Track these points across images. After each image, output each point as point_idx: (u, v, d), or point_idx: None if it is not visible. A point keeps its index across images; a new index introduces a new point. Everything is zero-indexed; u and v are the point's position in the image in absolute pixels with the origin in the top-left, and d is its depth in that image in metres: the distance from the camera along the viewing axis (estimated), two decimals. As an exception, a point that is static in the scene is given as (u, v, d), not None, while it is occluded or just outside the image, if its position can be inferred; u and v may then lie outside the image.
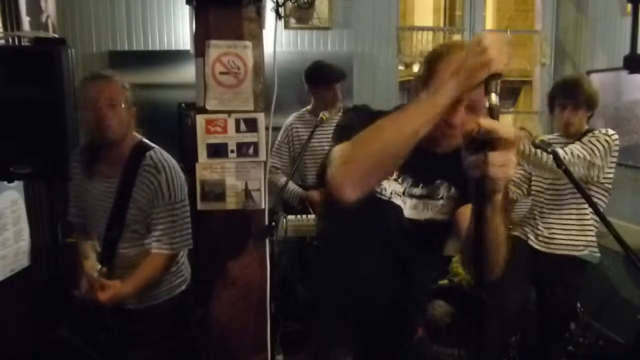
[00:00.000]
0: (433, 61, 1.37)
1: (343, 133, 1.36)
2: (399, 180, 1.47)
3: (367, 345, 1.58)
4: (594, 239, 2.58)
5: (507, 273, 1.27)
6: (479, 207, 1.04)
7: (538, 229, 2.60)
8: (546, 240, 2.58)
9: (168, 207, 2.03)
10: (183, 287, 2.22)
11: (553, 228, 2.56)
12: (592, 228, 2.57)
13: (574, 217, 2.54)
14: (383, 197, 1.44)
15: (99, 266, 2.01)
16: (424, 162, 1.35)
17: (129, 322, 2.10)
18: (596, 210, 1.92)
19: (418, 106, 1.22)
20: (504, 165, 0.99)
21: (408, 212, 1.48)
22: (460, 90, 1.14)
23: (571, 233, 2.54)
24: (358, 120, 1.37)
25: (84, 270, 2.04)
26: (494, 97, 1.03)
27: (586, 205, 2.49)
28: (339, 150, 1.31)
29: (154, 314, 2.11)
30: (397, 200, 1.46)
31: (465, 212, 1.34)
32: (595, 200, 2.47)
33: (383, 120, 1.21)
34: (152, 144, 2.13)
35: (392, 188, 1.46)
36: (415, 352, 1.68)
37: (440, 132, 1.30)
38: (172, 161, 2.10)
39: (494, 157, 0.98)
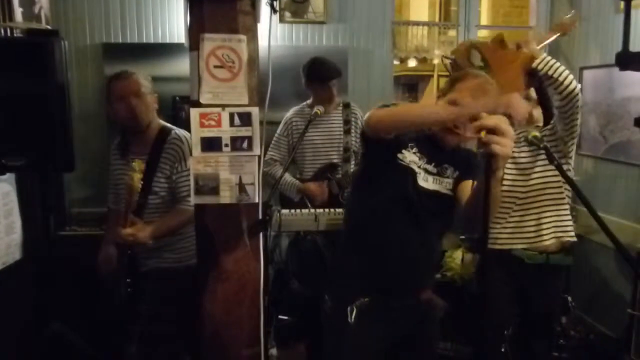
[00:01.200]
0: (456, 80, 1.93)
1: None
2: (417, 154, 1.90)
3: (384, 290, 1.93)
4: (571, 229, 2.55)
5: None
6: (487, 179, 1.36)
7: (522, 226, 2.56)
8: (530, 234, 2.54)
9: (188, 173, 2.18)
10: (193, 261, 2.26)
11: (531, 226, 2.53)
12: (569, 214, 2.55)
13: (552, 211, 2.52)
14: (403, 163, 1.87)
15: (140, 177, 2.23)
16: (437, 150, 1.93)
17: (143, 282, 2.39)
18: (585, 203, 1.93)
19: (434, 109, 1.82)
20: (504, 146, 1.32)
21: (420, 182, 1.89)
22: (469, 115, 1.57)
23: (551, 224, 2.51)
24: None
25: (129, 192, 2.23)
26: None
27: (564, 197, 2.50)
28: (379, 109, 1.85)
29: (165, 275, 2.39)
30: (414, 168, 1.89)
31: (465, 188, 1.84)
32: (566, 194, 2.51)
33: (413, 106, 1.94)
34: (174, 127, 2.47)
35: (410, 158, 1.89)
36: (425, 306, 2.04)
37: (449, 134, 1.87)
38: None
39: (498, 140, 1.31)
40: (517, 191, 2.52)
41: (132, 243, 2.28)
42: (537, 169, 2.49)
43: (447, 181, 1.95)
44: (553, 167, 2.39)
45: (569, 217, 2.57)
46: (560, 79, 2.23)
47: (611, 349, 3.27)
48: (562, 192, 2.51)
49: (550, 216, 2.51)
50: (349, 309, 1.91)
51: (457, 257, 3.32)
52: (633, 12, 1.65)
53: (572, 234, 2.55)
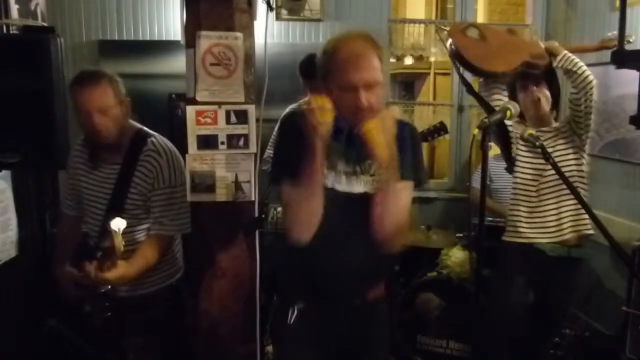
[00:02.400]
0: None
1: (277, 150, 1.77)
2: (331, 168, 1.64)
3: (323, 292, 1.73)
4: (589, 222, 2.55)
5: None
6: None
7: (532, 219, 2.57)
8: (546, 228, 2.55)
9: (168, 190, 2.04)
10: (177, 276, 2.22)
11: (551, 217, 2.53)
12: (587, 218, 2.54)
13: (570, 204, 2.52)
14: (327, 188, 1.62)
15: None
16: (350, 141, 1.62)
17: (122, 310, 2.08)
18: (582, 202, 1.94)
19: (304, 182, 1.56)
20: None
21: (345, 187, 1.65)
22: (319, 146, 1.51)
23: (569, 215, 2.52)
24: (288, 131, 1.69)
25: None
26: None
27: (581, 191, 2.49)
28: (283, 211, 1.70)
29: (147, 302, 2.11)
30: (337, 182, 1.65)
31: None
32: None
33: (293, 195, 1.59)
34: (152, 132, 2.14)
35: (331, 177, 1.64)
36: (371, 307, 1.82)
37: (354, 116, 1.56)
38: (172, 146, 2.11)
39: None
40: (533, 185, 2.54)
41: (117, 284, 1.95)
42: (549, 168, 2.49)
43: (372, 179, 1.67)
44: (572, 160, 2.50)
45: (587, 218, 2.57)
46: (579, 71, 2.37)
47: (606, 346, 3.28)
48: (579, 186, 2.53)
49: (569, 210, 2.52)
50: (290, 310, 1.75)
51: (453, 255, 3.33)
52: (628, 10, 1.66)
53: (589, 227, 2.56)
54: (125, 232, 1.96)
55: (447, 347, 3.24)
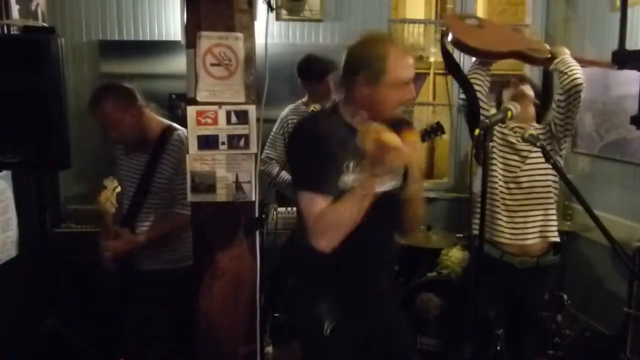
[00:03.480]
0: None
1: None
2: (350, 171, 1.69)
3: (351, 285, 1.81)
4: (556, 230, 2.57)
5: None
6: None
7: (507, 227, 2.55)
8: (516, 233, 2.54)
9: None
10: None
11: (521, 219, 2.53)
12: (555, 219, 2.57)
13: (542, 205, 2.53)
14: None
15: (114, 201, 2.26)
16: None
17: (143, 282, 2.35)
18: (581, 201, 1.94)
19: (357, 196, 1.60)
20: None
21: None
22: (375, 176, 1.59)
23: (538, 222, 2.52)
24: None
25: (101, 213, 2.26)
26: None
27: (552, 195, 2.52)
28: (312, 220, 1.66)
29: (166, 277, 2.33)
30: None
31: None
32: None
33: (338, 208, 1.62)
34: (179, 127, 2.39)
35: (347, 179, 1.68)
36: (390, 299, 2.00)
37: (397, 109, 1.76)
38: None
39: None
40: (504, 191, 2.53)
41: (121, 253, 2.29)
42: (525, 169, 2.51)
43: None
44: (541, 169, 2.47)
45: (555, 218, 2.58)
46: (569, 73, 2.36)
47: (607, 346, 3.27)
48: (549, 192, 2.53)
49: (538, 215, 2.52)
50: (325, 324, 1.78)
51: (453, 255, 3.33)
52: (629, 10, 1.66)
53: (556, 234, 2.57)
54: (149, 211, 2.36)
55: (446, 347, 3.24)
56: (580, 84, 2.36)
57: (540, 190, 2.51)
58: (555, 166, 2.02)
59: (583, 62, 2.53)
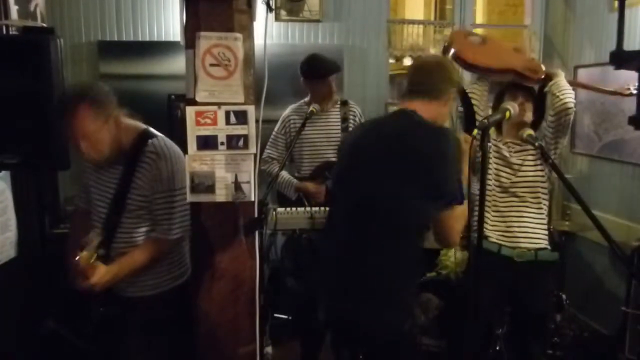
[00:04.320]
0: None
1: None
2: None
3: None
4: (546, 238, 2.59)
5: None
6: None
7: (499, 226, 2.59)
8: (507, 235, 2.57)
9: (167, 194, 2.04)
10: (185, 278, 2.21)
11: (513, 224, 2.56)
12: (545, 227, 2.60)
13: (532, 214, 2.56)
14: None
15: (94, 256, 1.92)
16: None
17: (127, 309, 2.12)
18: (580, 201, 1.95)
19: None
20: None
21: None
22: None
23: (528, 229, 2.55)
24: None
25: (72, 258, 1.97)
26: None
27: (542, 205, 2.56)
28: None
29: (153, 303, 2.12)
30: None
31: None
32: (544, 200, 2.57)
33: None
34: (157, 132, 2.14)
35: None
36: None
37: None
38: (175, 149, 2.10)
39: None
40: (497, 198, 2.57)
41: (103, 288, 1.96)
42: (516, 181, 2.54)
43: None
44: (538, 175, 2.52)
45: (545, 227, 2.59)
46: (561, 96, 2.43)
47: (605, 346, 3.28)
48: (540, 203, 2.56)
49: (527, 222, 2.55)
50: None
51: (451, 256, 3.33)
52: (627, 11, 1.66)
53: (546, 242, 2.57)
54: (125, 232, 2.06)
55: (446, 347, 3.24)
56: (570, 108, 2.43)
57: (531, 201, 2.55)
58: (554, 166, 2.04)
59: (577, 86, 2.61)
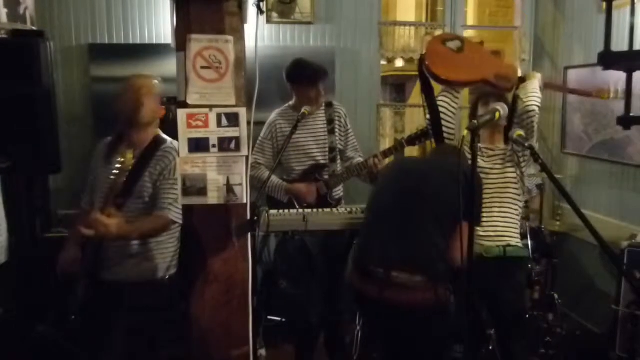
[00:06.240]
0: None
1: None
2: None
3: None
4: (518, 234, 2.64)
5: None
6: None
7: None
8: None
9: (173, 180, 2.26)
10: (170, 273, 2.37)
11: (483, 223, 2.56)
12: (517, 226, 2.64)
13: (502, 213, 2.60)
14: None
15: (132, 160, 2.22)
16: None
17: (125, 294, 2.28)
18: (570, 201, 1.96)
19: None
20: None
21: None
22: None
23: (498, 227, 2.59)
24: None
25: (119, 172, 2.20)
26: None
27: (513, 205, 2.61)
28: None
29: (148, 288, 2.29)
30: None
31: None
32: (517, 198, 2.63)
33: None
34: (170, 139, 2.41)
35: None
36: None
37: None
38: None
39: None
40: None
41: (99, 234, 2.09)
42: (487, 184, 2.58)
43: None
44: (512, 182, 2.61)
45: (516, 228, 2.63)
46: (524, 99, 2.54)
47: (597, 345, 3.31)
48: (509, 205, 2.60)
49: (499, 220, 2.59)
50: None
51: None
52: (615, 13, 1.68)
53: (518, 239, 2.62)
54: (131, 215, 2.28)
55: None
56: (533, 111, 2.52)
57: (501, 202, 2.61)
58: (544, 166, 2.05)
59: (553, 89, 2.65)
